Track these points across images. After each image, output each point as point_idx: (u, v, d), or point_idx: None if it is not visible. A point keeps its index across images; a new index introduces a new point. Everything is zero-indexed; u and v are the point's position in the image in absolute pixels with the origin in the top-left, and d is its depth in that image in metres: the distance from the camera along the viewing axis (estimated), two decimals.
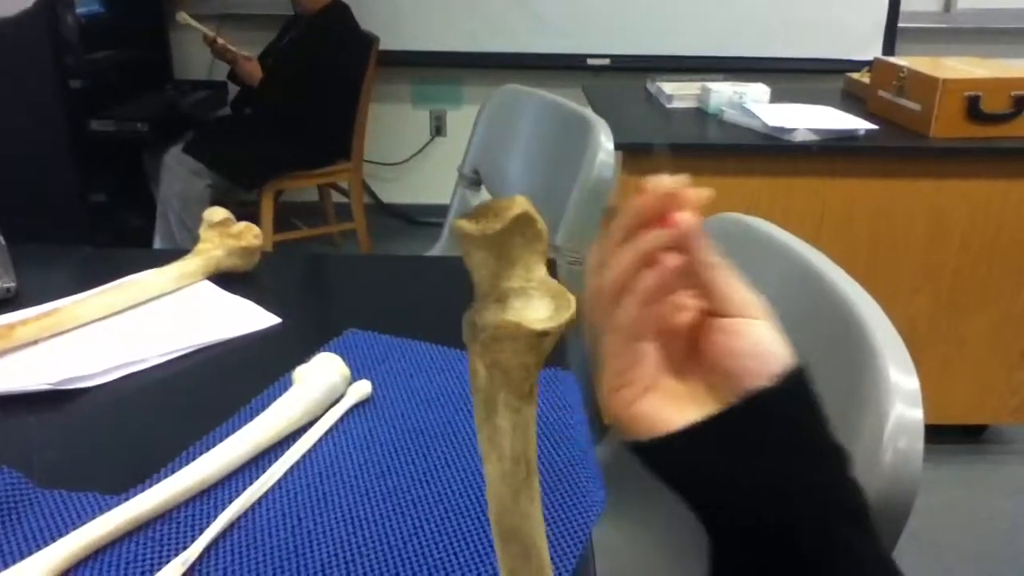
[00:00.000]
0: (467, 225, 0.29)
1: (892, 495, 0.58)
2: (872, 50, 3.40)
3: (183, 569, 0.60)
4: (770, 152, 2.03)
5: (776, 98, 2.29)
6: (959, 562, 1.94)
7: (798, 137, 2.00)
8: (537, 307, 0.30)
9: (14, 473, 0.69)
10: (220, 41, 3.09)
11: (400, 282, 1.16)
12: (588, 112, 1.35)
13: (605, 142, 1.27)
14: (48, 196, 2.80)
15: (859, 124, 2.07)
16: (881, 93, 2.26)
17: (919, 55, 2.36)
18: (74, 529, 0.62)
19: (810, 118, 2.09)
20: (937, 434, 2.39)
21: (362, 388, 0.82)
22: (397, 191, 3.97)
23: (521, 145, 1.50)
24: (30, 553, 0.60)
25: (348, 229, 3.43)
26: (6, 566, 0.59)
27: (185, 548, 0.62)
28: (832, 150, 2.02)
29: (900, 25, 3.56)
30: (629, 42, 3.62)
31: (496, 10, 3.61)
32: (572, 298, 0.30)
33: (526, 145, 1.48)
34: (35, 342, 0.92)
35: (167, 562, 0.61)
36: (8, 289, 1.03)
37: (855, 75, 2.58)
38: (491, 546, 0.65)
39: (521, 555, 0.34)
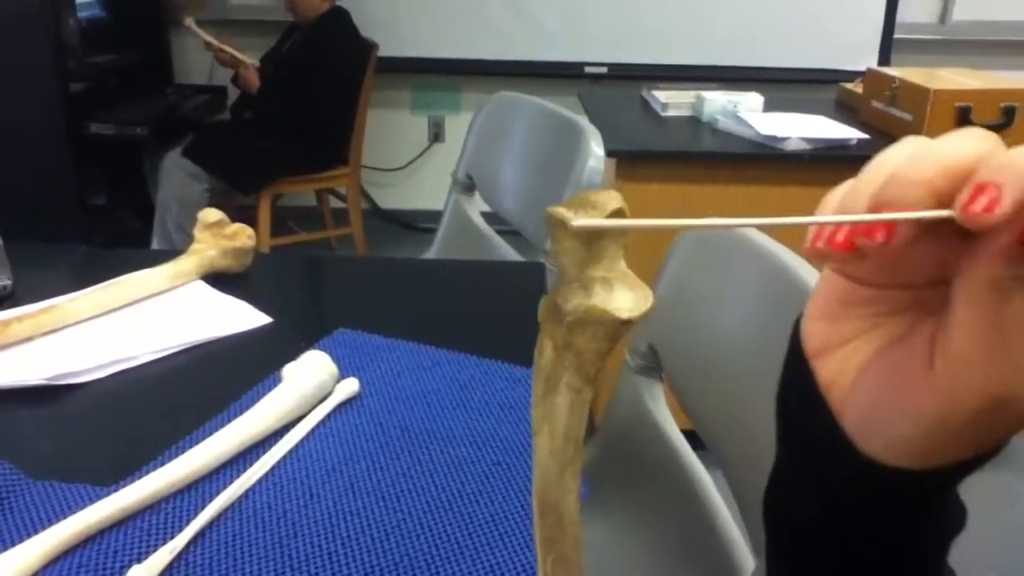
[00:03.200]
0: (567, 214, 0.31)
1: None
2: (868, 61, 3.42)
3: (170, 558, 0.62)
4: (762, 160, 2.05)
5: (770, 107, 2.31)
6: None
7: (790, 146, 2.02)
8: (619, 297, 0.32)
9: (6, 464, 0.71)
10: (226, 49, 3.12)
11: (392, 284, 1.17)
12: (580, 119, 1.37)
13: (596, 149, 1.29)
14: (47, 198, 2.82)
15: (851, 133, 2.10)
16: (874, 103, 2.28)
17: (914, 66, 2.38)
18: (64, 518, 0.64)
19: (802, 127, 2.11)
20: None
21: (350, 386, 0.84)
22: (395, 197, 3.99)
23: (514, 151, 1.52)
24: (20, 541, 0.62)
25: (345, 234, 3.45)
26: None
27: (173, 538, 0.64)
28: (824, 159, 2.04)
29: (896, 36, 3.59)
30: (626, 51, 3.65)
31: (495, 18, 3.63)
32: (650, 292, 0.32)
33: (519, 151, 1.50)
34: (30, 338, 0.93)
35: (155, 551, 0.62)
36: (4, 287, 1.04)
37: (849, 85, 2.60)
38: (472, 540, 0.67)
39: (557, 526, 0.36)
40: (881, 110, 2.23)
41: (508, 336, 0.98)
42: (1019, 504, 2.22)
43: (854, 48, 3.58)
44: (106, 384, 0.87)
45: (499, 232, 1.53)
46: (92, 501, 0.66)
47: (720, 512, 0.92)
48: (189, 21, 3.13)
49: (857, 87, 2.51)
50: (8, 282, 1.05)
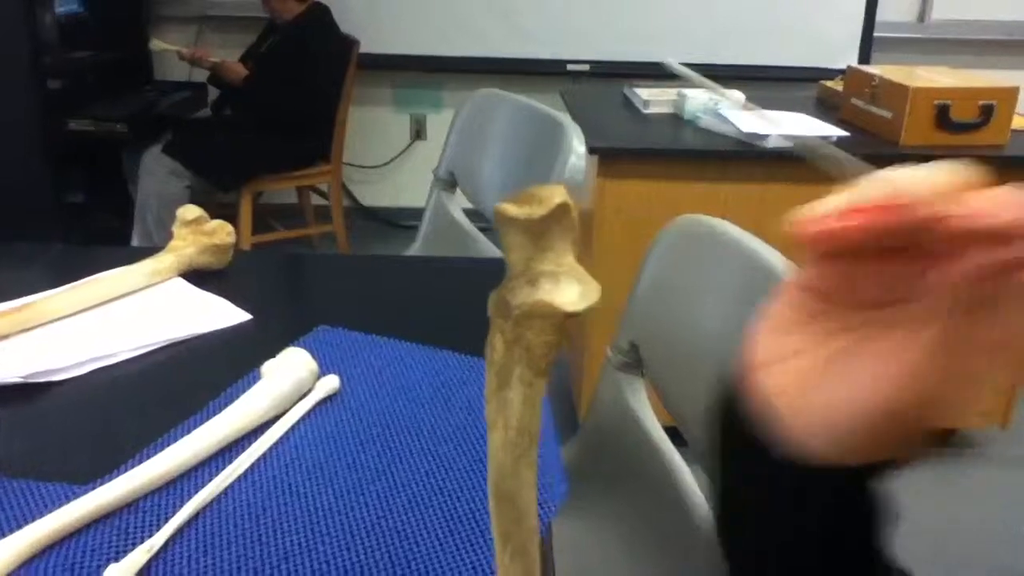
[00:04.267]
0: (512, 209, 0.31)
1: None
2: (848, 59, 3.44)
3: (148, 556, 0.61)
4: (743, 158, 2.06)
5: (752, 105, 2.32)
6: (924, 566, 1.97)
7: (771, 143, 2.03)
8: (566, 290, 0.32)
9: None
10: (197, 54, 3.13)
11: (372, 281, 1.17)
12: (561, 116, 1.37)
13: (577, 145, 1.29)
14: (24, 196, 2.79)
15: (831, 131, 2.11)
16: (854, 101, 2.29)
17: (894, 64, 2.40)
18: (40, 517, 0.63)
19: (784, 125, 2.12)
20: None
21: (330, 383, 0.84)
22: (377, 194, 3.98)
23: (495, 148, 1.51)
24: None
25: (327, 231, 3.44)
26: None
27: (150, 537, 0.63)
28: (804, 157, 2.05)
29: (876, 35, 3.61)
30: (609, 49, 3.65)
31: (477, 16, 3.63)
32: (597, 285, 0.33)
33: (500, 148, 1.50)
34: (6, 336, 0.92)
35: (132, 550, 0.62)
36: None
37: (829, 83, 2.61)
38: (453, 536, 0.67)
39: (515, 520, 0.36)
40: (861, 108, 2.25)
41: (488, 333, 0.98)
42: (961, 495, 2.24)
43: (835, 46, 3.60)
44: (84, 382, 0.86)
45: (481, 230, 1.53)
46: (68, 500, 0.66)
47: (701, 508, 0.92)
48: (155, 43, 3.15)
49: (838, 85, 2.52)
50: None
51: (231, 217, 1.19)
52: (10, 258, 1.13)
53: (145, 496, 0.68)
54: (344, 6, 3.32)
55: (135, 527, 0.65)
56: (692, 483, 0.94)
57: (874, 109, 2.18)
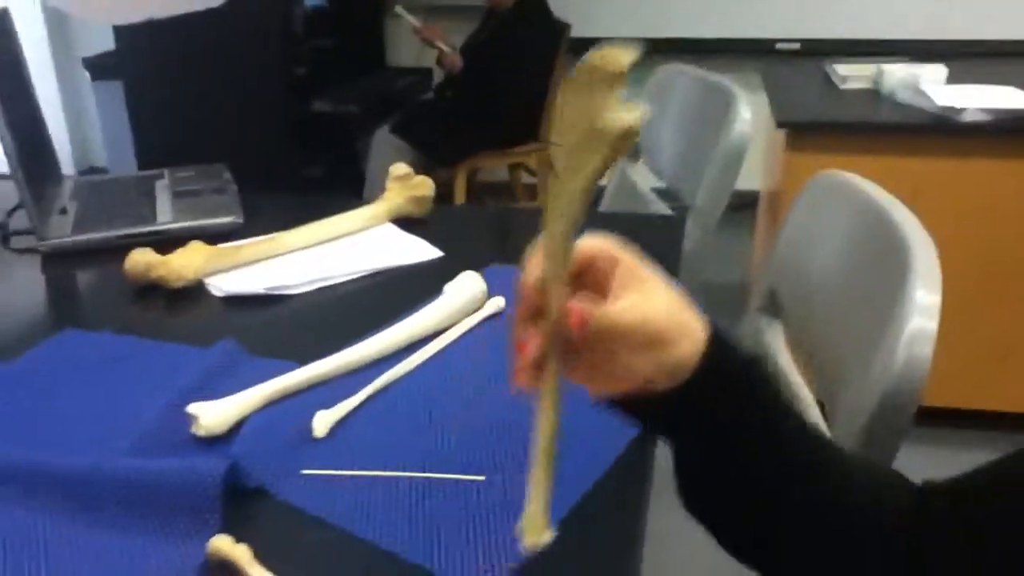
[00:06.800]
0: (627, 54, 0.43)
1: (901, 387, 0.70)
2: None
3: (346, 411, 0.82)
4: (938, 132, 2.03)
5: (958, 79, 2.28)
6: None
7: (968, 117, 2.00)
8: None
9: (236, 344, 0.93)
10: (427, 34, 3.41)
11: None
12: (732, 86, 1.47)
13: (743, 112, 1.39)
14: (271, 169, 3.18)
15: None
16: None
17: None
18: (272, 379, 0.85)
19: (987, 98, 2.07)
20: None
21: (496, 303, 1.01)
22: None
23: (673, 117, 1.64)
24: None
25: (534, 207, 3.65)
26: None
27: (350, 398, 0.83)
28: (1006, 131, 2.00)
29: None
30: (817, 26, 3.62)
31: None
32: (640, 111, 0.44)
33: (677, 117, 1.62)
34: (256, 261, 1.18)
35: (336, 405, 0.82)
36: (237, 222, 1.30)
37: None
38: (590, 428, 0.81)
39: (562, 235, 0.49)
40: None
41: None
42: None
43: None
44: (311, 296, 1.10)
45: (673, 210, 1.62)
46: (292, 371, 0.87)
47: None
48: (399, 9, 3.44)
49: None
50: (240, 220, 1.31)
51: (447, 191, 1.40)
52: (259, 203, 1.39)
53: (349, 373, 0.89)
54: None
55: (338, 392, 0.85)
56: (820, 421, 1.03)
57: None
